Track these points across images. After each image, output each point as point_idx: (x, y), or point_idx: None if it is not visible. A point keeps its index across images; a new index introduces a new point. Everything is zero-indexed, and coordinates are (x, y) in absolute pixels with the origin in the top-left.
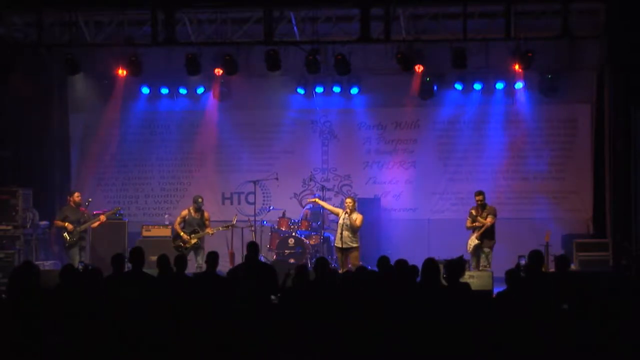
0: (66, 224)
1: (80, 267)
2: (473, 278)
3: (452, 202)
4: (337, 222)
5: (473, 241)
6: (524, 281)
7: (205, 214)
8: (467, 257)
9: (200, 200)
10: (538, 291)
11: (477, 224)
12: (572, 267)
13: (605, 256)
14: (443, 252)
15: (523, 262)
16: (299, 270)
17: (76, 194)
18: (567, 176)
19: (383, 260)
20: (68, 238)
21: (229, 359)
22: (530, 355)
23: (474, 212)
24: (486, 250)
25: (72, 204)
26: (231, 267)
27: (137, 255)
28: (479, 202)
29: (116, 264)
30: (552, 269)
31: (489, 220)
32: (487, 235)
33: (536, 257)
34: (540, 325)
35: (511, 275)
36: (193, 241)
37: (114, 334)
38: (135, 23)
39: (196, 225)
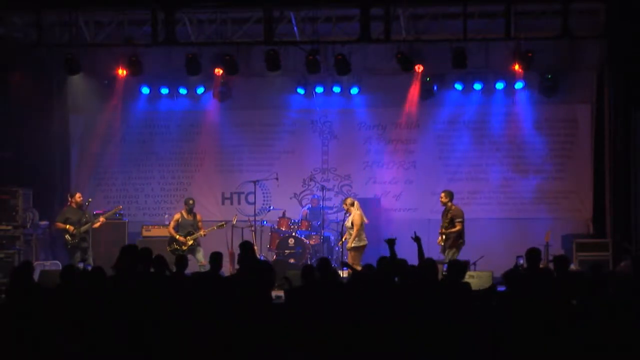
0: (67, 226)
1: (80, 267)
2: (473, 278)
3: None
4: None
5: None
6: (522, 280)
7: (198, 216)
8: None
9: (191, 202)
10: (537, 289)
11: (441, 236)
12: (572, 267)
13: (605, 256)
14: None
15: (521, 261)
16: (306, 270)
17: (78, 195)
18: (567, 176)
19: (383, 261)
20: (70, 240)
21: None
22: (530, 354)
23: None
24: (448, 252)
25: (73, 204)
26: (231, 267)
27: (146, 256)
28: (441, 202)
29: (125, 256)
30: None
31: (451, 230)
32: (450, 242)
33: (533, 255)
34: (541, 324)
35: (509, 276)
36: (190, 242)
37: (115, 334)
38: (135, 23)
39: (190, 227)
